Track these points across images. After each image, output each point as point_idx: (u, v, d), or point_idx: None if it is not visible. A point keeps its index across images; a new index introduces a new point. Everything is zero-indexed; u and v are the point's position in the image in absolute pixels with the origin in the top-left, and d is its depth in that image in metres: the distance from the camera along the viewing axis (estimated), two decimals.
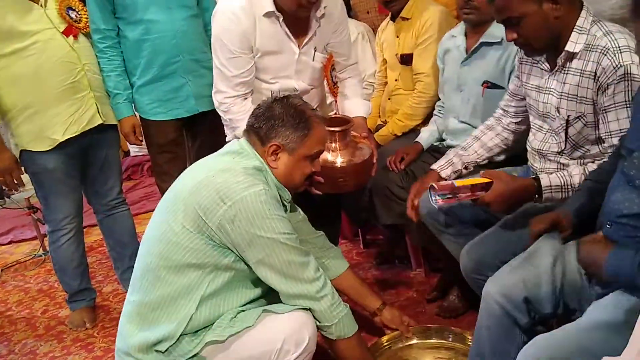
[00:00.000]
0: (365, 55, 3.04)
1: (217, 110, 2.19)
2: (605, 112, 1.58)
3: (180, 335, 1.60)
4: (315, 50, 2.16)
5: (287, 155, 1.66)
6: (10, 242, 4.26)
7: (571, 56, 1.63)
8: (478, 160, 2.03)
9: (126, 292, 2.93)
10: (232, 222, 1.54)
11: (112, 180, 2.79)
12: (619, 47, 1.54)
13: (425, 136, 2.45)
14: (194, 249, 1.58)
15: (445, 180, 1.95)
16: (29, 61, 2.38)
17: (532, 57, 1.77)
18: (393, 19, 2.71)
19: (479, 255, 1.72)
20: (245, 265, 1.63)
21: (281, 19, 2.03)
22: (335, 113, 2.35)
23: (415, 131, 2.60)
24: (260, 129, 1.67)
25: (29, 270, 3.67)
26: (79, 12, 2.53)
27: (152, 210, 4.23)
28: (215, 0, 2.67)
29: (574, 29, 1.60)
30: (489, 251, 1.71)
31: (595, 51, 1.58)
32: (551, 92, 1.71)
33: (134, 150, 5.65)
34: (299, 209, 1.93)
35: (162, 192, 2.74)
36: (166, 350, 1.59)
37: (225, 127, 2.25)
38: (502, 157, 2.09)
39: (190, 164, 2.58)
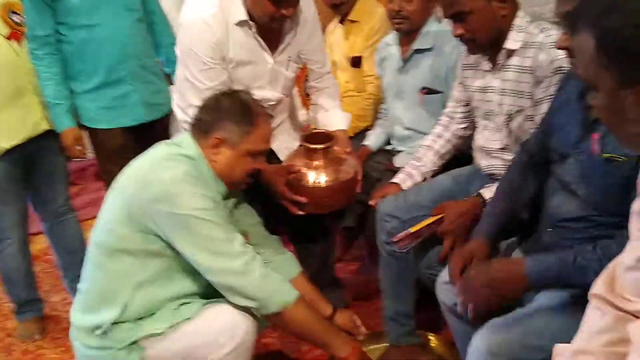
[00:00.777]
0: None
1: (184, 125, 2.06)
2: (540, 104, 1.69)
3: (121, 321, 1.63)
4: (289, 60, 2.11)
5: (229, 149, 1.66)
6: None
7: (510, 53, 1.74)
8: (434, 169, 2.08)
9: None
10: (152, 204, 1.56)
11: (59, 187, 2.72)
12: (554, 42, 1.63)
13: (373, 139, 2.52)
14: (124, 235, 1.61)
15: (404, 190, 2.02)
16: None
17: (473, 54, 1.84)
18: (341, 21, 2.76)
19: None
20: (175, 253, 1.62)
21: (254, 29, 1.97)
22: (309, 125, 2.32)
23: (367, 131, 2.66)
24: (204, 121, 1.67)
25: None
26: (22, 16, 2.45)
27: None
28: (159, 2, 2.64)
29: (513, 28, 1.72)
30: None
31: (532, 47, 1.69)
32: (493, 91, 1.82)
33: None
34: (255, 213, 1.93)
35: None
36: (103, 333, 1.63)
37: None
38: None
39: None
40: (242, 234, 1.68)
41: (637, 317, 0.96)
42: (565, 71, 1.60)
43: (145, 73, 2.56)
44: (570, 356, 1.01)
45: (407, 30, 2.27)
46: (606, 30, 0.76)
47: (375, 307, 2.26)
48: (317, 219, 2.12)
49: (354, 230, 2.64)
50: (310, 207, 1.99)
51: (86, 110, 2.55)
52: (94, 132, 2.62)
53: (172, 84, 2.84)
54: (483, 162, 1.94)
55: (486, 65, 1.84)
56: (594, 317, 1.03)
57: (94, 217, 3.78)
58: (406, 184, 2.05)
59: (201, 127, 1.68)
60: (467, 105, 2.00)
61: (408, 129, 2.38)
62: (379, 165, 2.37)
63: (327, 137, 2.03)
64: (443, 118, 2.10)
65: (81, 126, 2.60)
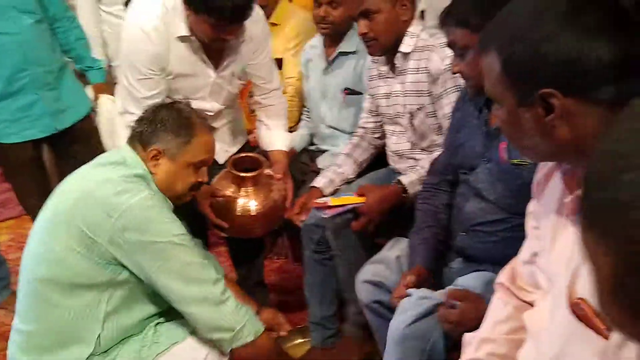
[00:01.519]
0: None
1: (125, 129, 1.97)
2: (440, 99, 1.86)
3: (89, 355, 1.53)
4: (232, 76, 2.09)
5: (168, 161, 1.59)
6: None
7: (406, 57, 1.90)
8: (352, 176, 2.17)
9: None
10: (122, 235, 1.45)
11: None
12: (443, 43, 1.80)
13: (297, 140, 2.57)
14: (84, 270, 1.48)
15: (324, 194, 2.08)
16: None
17: (373, 54, 1.96)
18: None
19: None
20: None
21: (196, 44, 1.94)
22: (249, 141, 2.29)
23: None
24: (143, 132, 1.60)
25: None
26: None
27: (8, 218, 3.93)
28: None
29: (407, 34, 1.89)
30: None
31: (425, 50, 1.88)
32: (397, 94, 1.97)
33: None
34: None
35: (29, 211, 2.59)
36: None
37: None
38: None
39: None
40: None
41: (533, 306, 1.07)
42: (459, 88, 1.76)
43: (52, 79, 2.42)
44: (477, 344, 1.11)
45: (332, 35, 2.36)
46: (510, 55, 0.84)
47: (299, 303, 2.32)
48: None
49: (278, 229, 2.69)
50: (235, 232, 2.00)
51: None
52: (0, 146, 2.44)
53: (88, 83, 2.78)
54: (397, 165, 2.08)
55: (388, 72, 1.99)
56: (498, 307, 1.13)
57: (3, 220, 3.67)
58: (328, 190, 2.10)
59: (140, 139, 1.60)
60: (379, 115, 2.12)
61: (330, 127, 2.46)
62: (303, 166, 2.42)
63: (256, 162, 2.01)
64: (358, 130, 2.20)
65: None
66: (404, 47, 1.90)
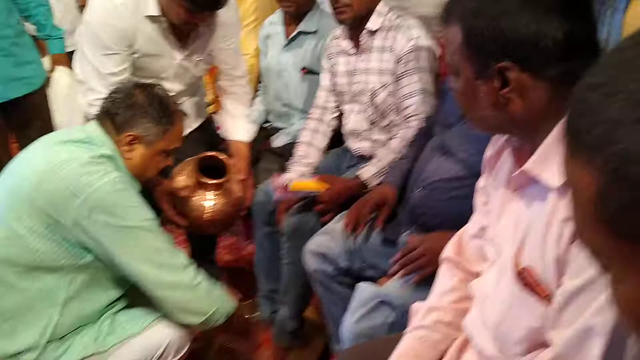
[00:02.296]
0: None
1: (85, 111, 1.93)
2: (400, 79, 1.89)
3: (46, 342, 1.48)
4: (198, 59, 2.06)
5: (144, 147, 1.55)
6: None
7: (372, 34, 1.92)
8: (316, 163, 2.13)
9: None
10: (88, 216, 1.41)
11: None
12: (409, 24, 1.89)
13: (254, 116, 2.57)
14: (46, 252, 1.44)
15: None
16: None
17: (342, 22, 1.94)
18: None
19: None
20: (104, 264, 1.51)
21: (165, 25, 1.90)
22: (210, 118, 2.24)
23: None
24: (118, 116, 1.54)
25: None
26: None
27: None
28: None
29: (375, 12, 1.91)
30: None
31: (391, 30, 1.90)
32: (360, 72, 1.98)
33: None
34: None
35: None
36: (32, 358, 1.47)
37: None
38: None
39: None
40: None
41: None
42: (422, 49, 1.85)
43: (7, 45, 2.32)
44: (424, 313, 1.15)
45: (294, 13, 2.35)
46: (471, 28, 0.87)
47: (250, 280, 2.32)
48: None
49: None
50: (191, 228, 1.99)
51: None
52: None
53: (46, 53, 2.68)
54: (353, 145, 2.09)
55: (351, 49, 2.00)
56: (444, 278, 1.18)
57: None
58: None
59: (114, 122, 1.54)
60: (336, 93, 2.12)
61: (286, 105, 2.46)
62: (258, 145, 2.42)
63: (221, 164, 1.98)
64: (315, 110, 2.17)
65: None
66: (371, 25, 1.92)
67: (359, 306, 1.43)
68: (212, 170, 1.98)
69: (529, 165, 0.88)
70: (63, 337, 1.51)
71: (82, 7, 2.78)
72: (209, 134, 2.32)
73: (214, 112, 2.50)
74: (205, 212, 1.95)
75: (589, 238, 0.47)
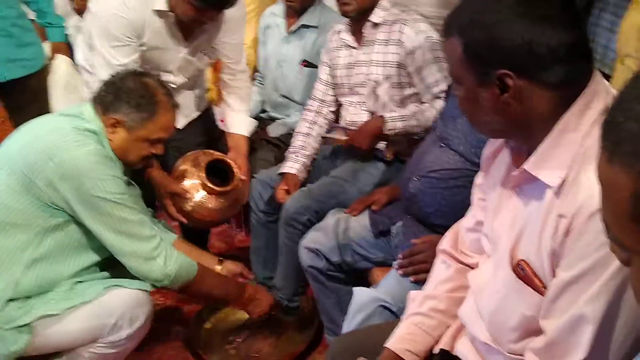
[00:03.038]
0: None
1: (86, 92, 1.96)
2: (420, 71, 1.95)
3: (9, 300, 1.55)
4: (203, 53, 2.09)
5: (125, 132, 1.62)
6: None
7: (375, 27, 1.97)
8: (314, 154, 2.19)
9: None
10: (60, 179, 1.50)
11: None
12: (415, 18, 1.96)
13: (252, 107, 2.60)
14: (19, 209, 1.53)
15: (300, 179, 2.10)
16: None
17: (347, 13, 1.98)
18: None
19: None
20: (77, 227, 1.60)
21: (172, 19, 1.93)
22: (210, 108, 2.27)
23: None
24: (105, 97, 1.62)
25: None
26: None
27: None
28: None
29: (379, 6, 1.97)
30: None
31: (397, 23, 1.96)
32: (361, 64, 2.03)
33: None
34: (134, 184, 1.89)
35: None
36: None
37: None
38: None
39: None
40: None
41: (473, 269, 1.19)
42: (434, 40, 1.91)
43: (7, 25, 2.34)
44: (421, 300, 1.21)
45: (297, 8, 2.39)
46: (470, 39, 0.92)
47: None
48: None
49: None
50: (191, 224, 2.05)
51: None
52: None
53: (47, 38, 2.69)
54: None
55: (352, 42, 2.05)
56: (440, 269, 1.24)
57: None
58: (302, 175, 2.12)
59: (102, 103, 1.62)
60: (335, 86, 2.17)
61: (283, 96, 2.50)
62: (254, 134, 2.45)
63: (227, 166, 2.04)
64: (313, 102, 2.21)
65: None
66: (375, 18, 1.97)
67: (358, 310, 1.48)
68: (216, 168, 2.03)
69: (528, 164, 0.93)
70: (25, 298, 1.58)
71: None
72: (208, 124, 2.35)
73: (214, 104, 2.53)
74: (207, 213, 2.02)
75: (619, 233, 0.53)
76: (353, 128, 2.03)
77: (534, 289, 0.93)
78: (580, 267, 0.84)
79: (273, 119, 2.54)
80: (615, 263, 0.79)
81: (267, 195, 2.12)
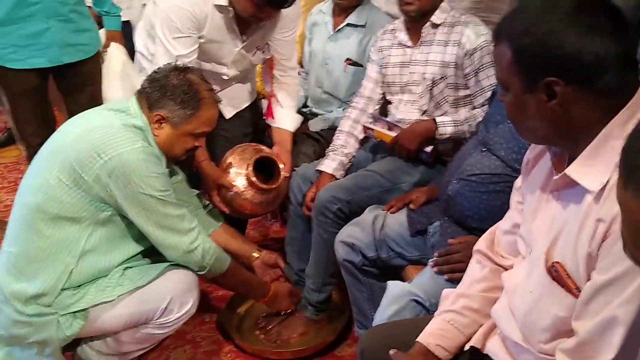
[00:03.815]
0: None
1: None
2: (476, 73, 1.96)
3: (63, 288, 1.63)
4: (257, 48, 2.14)
5: (170, 127, 1.67)
6: None
7: (435, 28, 2.01)
8: (354, 153, 2.20)
9: None
10: (109, 176, 1.56)
11: None
12: (476, 21, 1.99)
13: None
14: (70, 203, 1.59)
15: (337, 178, 2.12)
16: None
17: (408, 13, 2.00)
18: None
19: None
20: (124, 220, 1.67)
21: (231, 14, 1.99)
22: (266, 115, 2.32)
23: None
24: (151, 94, 1.67)
25: None
26: None
27: None
28: None
29: (439, 8, 2.01)
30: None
31: (457, 25, 1.99)
32: (417, 63, 2.06)
33: None
34: (178, 170, 1.96)
35: (24, 138, 2.63)
36: (46, 300, 1.62)
37: None
38: None
39: (67, 118, 2.50)
40: None
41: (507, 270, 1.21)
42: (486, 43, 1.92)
43: (66, 11, 2.41)
44: (454, 299, 1.24)
45: (346, 6, 2.43)
46: (520, 46, 0.95)
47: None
48: None
49: None
50: (232, 215, 2.12)
51: None
52: (3, 71, 2.44)
53: (102, 26, 2.78)
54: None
55: (407, 41, 2.08)
56: (475, 269, 1.27)
57: None
58: (339, 173, 2.14)
59: (147, 99, 1.68)
60: (384, 85, 2.18)
61: (326, 93, 2.54)
62: (297, 129, 2.50)
63: (274, 166, 2.10)
64: (359, 100, 2.22)
65: None
66: (436, 19, 2.00)
67: (390, 303, 1.51)
68: (261, 162, 2.09)
69: (570, 170, 0.96)
70: (78, 286, 1.66)
71: None
72: (255, 116, 2.41)
73: (262, 97, 2.59)
74: (249, 206, 2.09)
75: (634, 250, 0.59)
76: (399, 125, 2.04)
77: (567, 291, 0.96)
78: (615, 270, 0.86)
79: (315, 114, 2.58)
80: None
81: (306, 189, 2.16)
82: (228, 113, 2.25)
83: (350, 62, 2.45)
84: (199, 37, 2.00)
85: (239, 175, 2.07)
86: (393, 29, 2.14)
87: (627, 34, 0.95)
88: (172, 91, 1.66)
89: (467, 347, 1.19)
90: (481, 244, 1.29)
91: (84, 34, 2.52)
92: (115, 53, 2.75)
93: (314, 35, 2.59)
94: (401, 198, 1.86)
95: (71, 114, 2.61)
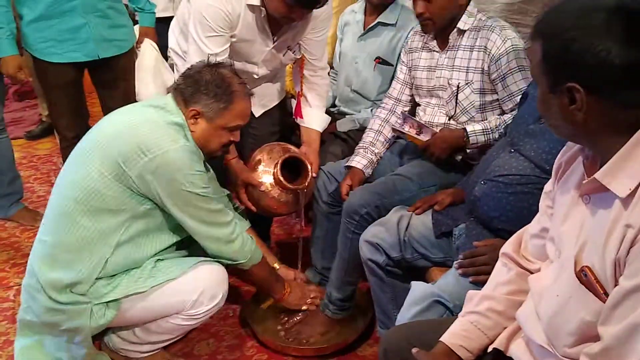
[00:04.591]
0: None
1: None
2: (504, 79, 1.94)
3: (96, 278, 1.68)
4: (288, 48, 2.17)
5: (206, 122, 1.71)
6: None
7: (461, 34, 1.99)
8: (382, 152, 2.22)
9: (0, 219, 2.89)
10: (152, 173, 1.60)
11: None
12: (502, 25, 1.96)
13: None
14: (111, 196, 1.64)
15: (365, 175, 2.14)
16: None
17: (427, 33, 2.04)
18: None
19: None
20: (161, 213, 1.71)
21: (264, 14, 2.01)
22: (295, 115, 2.34)
23: None
24: (185, 90, 1.71)
25: None
26: None
27: (20, 137, 4.04)
28: None
29: (465, 13, 1.98)
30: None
31: (483, 29, 1.96)
32: (443, 68, 2.05)
33: None
34: (209, 167, 1.98)
35: (59, 130, 2.71)
36: (81, 289, 1.66)
37: None
38: None
39: (104, 113, 2.52)
40: None
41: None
42: (519, 49, 1.91)
43: (103, 7, 2.47)
44: (478, 300, 1.24)
45: (377, 3, 2.45)
46: (549, 47, 0.96)
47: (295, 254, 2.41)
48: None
49: None
50: (259, 212, 2.17)
51: (34, 40, 2.47)
52: (41, 64, 2.52)
53: (136, 22, 2.83)
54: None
55: (435, 45, 2.07)
56: (501, 271, 1.26)
57: (15, 138, 3.78)
58: (368, 171, 2.16)
59: (182, 95, 1.72)
60: (412, 87, 2.19)
61: (355, 91, 2.56)
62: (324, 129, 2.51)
63: (302, 166, 2.12)
64: (388, 101, 2.24)
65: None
66: (462, 24, 1.99)
67: (413, 303, 1.52)
68: (289, 161, 2.11)
69: (600, 174, 0.96)
70: (111, 276, 1.71)
71: None
72: (283, 115, 2.44)
73: (291, 97, 2.61)
74: (275, 205, 2.12)
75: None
76: (428, 126, 2.04)
77: (595, 295, 0.95)
78: None
79: (343, 114, 2.60)
80: None
81: (332, 188, 2.18)
82: (257, 111, 2.28)
83: (380, 60, 2.46)
84: (231, 36, 2.03)
85: (266, 174, 2.10)
86: (420, 32, 2.12)
87: None
88: (205, 86, 1.70)
89: (490, 349, 1.19)
90: (508, 247, 1.28)
91: (119, 30, 2.57)
92: (148, 49, 2.81)
93: (344, 35, 2.61)
94: (427, 199, 1.86)
95: (105, 108, 2.68)
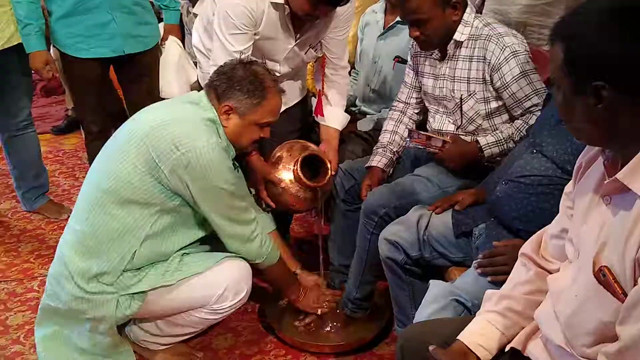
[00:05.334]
0: None
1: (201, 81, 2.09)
2: (508, 87, 1.90)
3: (123, 270, 1.72)
4: (310, 46, 2.18)
5: (238, 117, 1.74)
6: None
7: (459, 45, 1.95)
8: (400, 152, 2.22)
9: (26, 211, 2.95)
10: (184, 168, 1.64)
11: (23, 101, 2.74)
12: (500, 33, 1.90)
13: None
14: (142, 189, 1.67)
15: (385, 172, 2.15)
16: None
17: (426, 51, 2.03)
18: None
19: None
20: (189, 209, 1.75)
21: (287, 12, 2.02)
22: (315, 113, 2.35)
23: None
24: (219, 87, 1.74)
25: None
26: None
27: (46, 132, 4.11)
28: None
29: (462, 22, 1.93)
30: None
31: (480, 39, 1.92)
32: (445, 78, 2.02)
33: None
34: (238, 166, 1.98)
35: (85, 124, 2.77)
36: (108, 279, 1.70)
37: None
38: None
39: (128, 108, 2.58)
40: None
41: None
42: (519, 54, 1.87)
43: (129, 3, 2.51)
44: (497, 299, 1.24)
45: (396, 3, 2.41)
46: (572, 49, 0.96)
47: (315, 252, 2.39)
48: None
49: None
50: (277, 209, 2.17)
51: (61, 36, 2.52)
52: (68, 59, 2.57)
53: (161, 20, 2.85)
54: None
55: (437, 55, 2.04)
56: (520, 271, 1.26)
57: (42, 133, 3.85)
58: (388, 170, 2.16)
59: (216, 92, 1.75)
60: (420, 91, 2.18)
61: (374, 91, 2.56)
62: (344, 128, 2.51)
63: (321, 163, 2.12)
64: (398, 104, 2.24)
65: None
66: (458, 36, 1.93)
67: (431, 302, 1.52)
68: (308, 159, 2.12)
69: (621, 174, 0.95)
70: (138, 269, 1.74)
71: None
72: (303, 113, 2.45)
73: (312, 95, 2.62)
74: (294, 202, 2.13)
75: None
76: (435, 136, 2.00)
77: (613, 295, 0.95)
78: None
79: (363, 114, 2.61)
80: None
81: (349, 185, 2.18)
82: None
83: (399, 59, 2.46)
84: (254, 34, 2.05)
85: (286, 171, 2.12)
86: None
87: None
88: (238, 82, 1.73)
89: (507, 348, 1.19)
90: (527, 247, 1.28)
91: (145, 27, 2.61)
92: (172, 46, 2.84)
93: (365, 35, 2.61)
94: (447, 199, 1.86)
95: (130, 104, 2.72)
